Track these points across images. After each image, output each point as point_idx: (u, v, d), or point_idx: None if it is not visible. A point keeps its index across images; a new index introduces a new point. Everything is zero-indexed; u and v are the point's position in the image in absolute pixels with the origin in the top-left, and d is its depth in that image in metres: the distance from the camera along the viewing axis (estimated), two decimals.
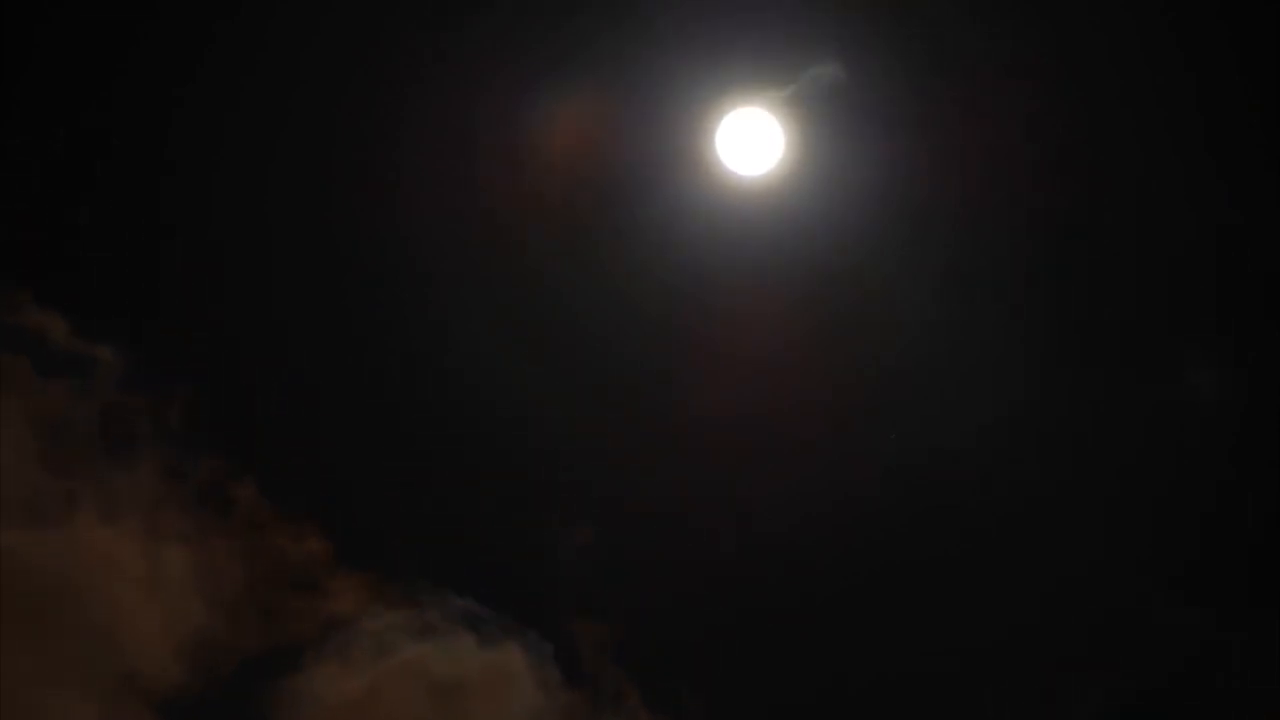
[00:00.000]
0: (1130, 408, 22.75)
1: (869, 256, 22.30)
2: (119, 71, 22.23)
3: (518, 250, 22.42)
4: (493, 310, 22.53)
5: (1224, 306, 22.61)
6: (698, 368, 22.41)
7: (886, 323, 22.42)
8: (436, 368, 22.55)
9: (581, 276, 22.45)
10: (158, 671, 20.95)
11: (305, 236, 22.42)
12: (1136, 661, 22.13)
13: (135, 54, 22.26)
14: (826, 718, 22.25)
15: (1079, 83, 22.21)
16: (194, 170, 22.36)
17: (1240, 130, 22.30)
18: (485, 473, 22.46)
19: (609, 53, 22.01)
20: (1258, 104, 22.19)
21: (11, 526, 20.65)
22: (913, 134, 21.99)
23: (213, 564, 21.44)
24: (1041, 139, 22.11)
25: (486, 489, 22.43)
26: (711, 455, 22.48)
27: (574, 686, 21.91)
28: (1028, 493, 22.54)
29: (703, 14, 21.81)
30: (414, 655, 21.66)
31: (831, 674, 22.23)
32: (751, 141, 22.15)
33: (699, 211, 22.32)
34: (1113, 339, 22.71)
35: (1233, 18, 22.01)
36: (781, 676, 22.34)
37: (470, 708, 21.59)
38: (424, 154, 22.23)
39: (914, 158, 22.03)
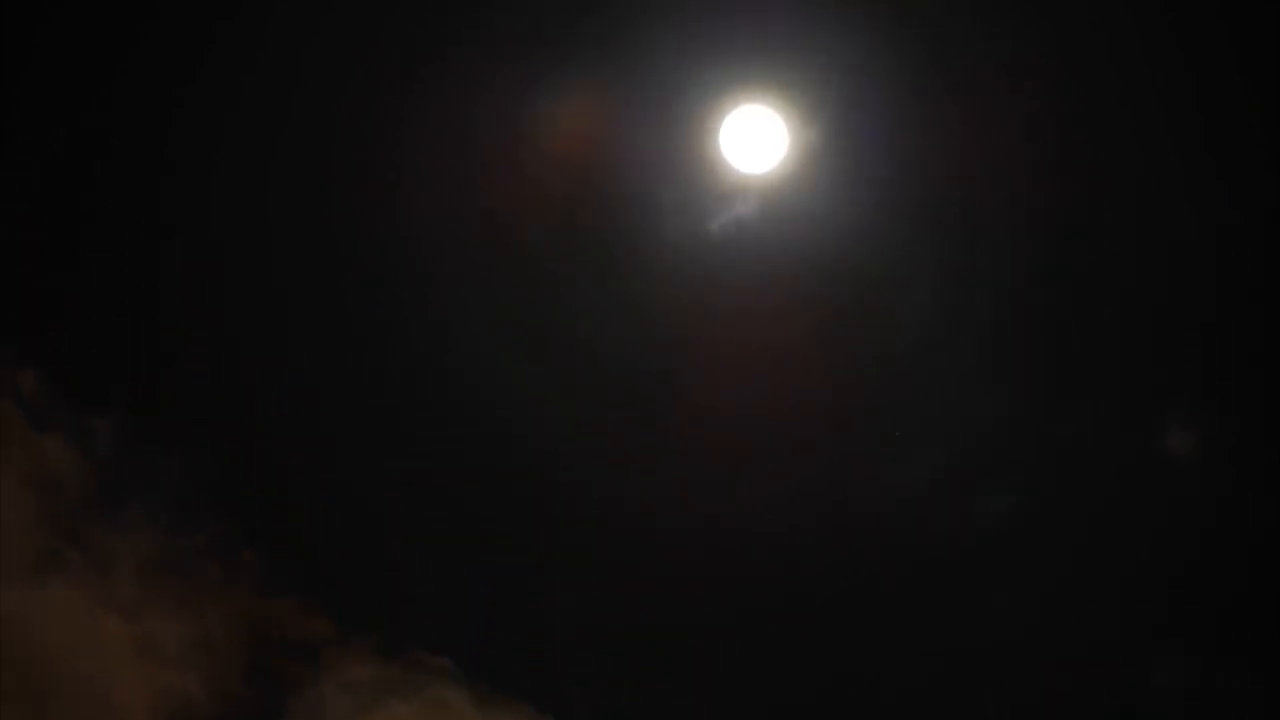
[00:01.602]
0: (1129, 413, 22.77)
1: (872, 255, 22.33)
2: (119, 71, 22.23)
3: (519, 250, 22.42)
4: (493, 311, 22.51)
5: (1224, 308, 22.64)
6: (700, 367, 22.42)
7: (889, 322, 22.44)
8: (438, 372, 22.55)
9: (584, 276, 22.49)
10: None
11: (307, 252, 22.38)
12: (1119, 689, 22.14)
13: (135, 54, 22.26)
14: None
15: (1081, 82, 22.27)
16: (193, 179, 22.36)
17: (1240, 130, 22.37)
18: (488, 517, 22.40)
19: (611, 51, 22.05)
20: (1258, 104, 22.27)
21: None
22: (916, 132, 22.04)
23: (205, 631, 21.32)
24: (1044, 138, 22.16)
25: (488, 539, 22.36)
26: (713, 456, 22.47)
27: None
28: (1026, 498, 22.58)
29: (705, 12, 21.86)
30: (407, 716, 21.60)
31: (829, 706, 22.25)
32: (755, 139, 22.21)
33: (703, 209, 22.39)
34: (1111, 342, 22.73)
35: (1233, 18, 22.09)
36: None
37: None
38: (425, 154, 22.23)
39: (917, 156, 22.08)
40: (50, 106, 22.15)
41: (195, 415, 22.03)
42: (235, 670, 21.26)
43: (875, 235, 22.26)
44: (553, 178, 22.20)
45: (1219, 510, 22.40)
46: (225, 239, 22.35)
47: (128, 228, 22.27)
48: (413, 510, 22.32)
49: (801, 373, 22.40)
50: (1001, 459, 22.52)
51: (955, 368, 22.51)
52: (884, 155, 22.06)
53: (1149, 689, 21.95)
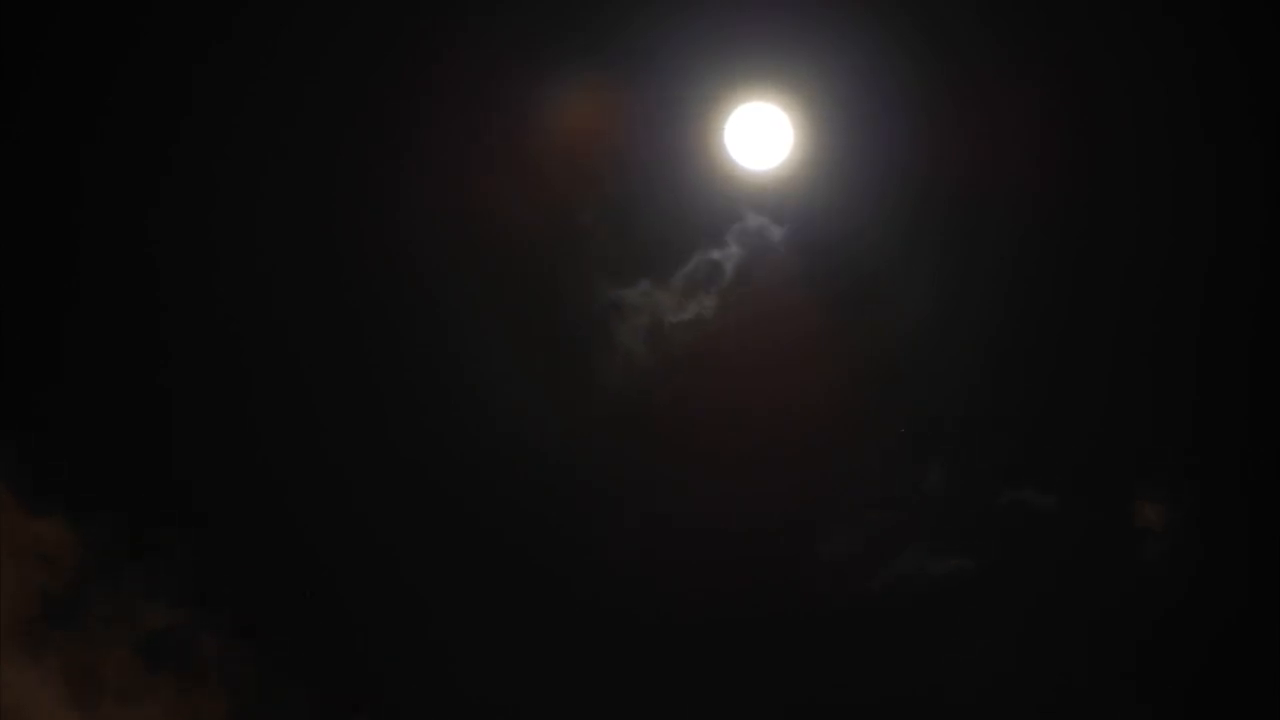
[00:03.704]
0: (1130, 418, 22.81)
1: (875, 251, 22.39)
2: (121, 74, 22.23)
3: (521, 249, 22.42)
4: (495, 318, 22.48)
5: (1222, 309, 22.73)
6: (701, 365, 22.42)
7: (890, 319, 22.47)
8: (451, 459, 22.46)
9: (586, 275, 22.50)
10: None
11: (313, 315, 22.27)
12: None
13: (136, 55, 22.26)
14: None
15: (1083, 79, 22.39)
16: (190, 213, 22.31)
17: (1240, 130, 22.52)
18: (481, 606, 22.28)
19: (618, 50, 22.12)
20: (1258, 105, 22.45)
21: None
22: (919, 130, 22.15)
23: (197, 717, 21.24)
24: (1047, 134, 22.24)
25: (479, 628, 22.25)
26: (716, 458, 22.42)
27: None
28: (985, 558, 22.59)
29: (711, 11, 21.97)
30: None
31: None
32: (760, 137, 22.30)
33: (708, 206, 22.45)
34: (1106, 342, 22.79)
35: (1233, 19, 22.28)
36: None
37: None
38: (430, 153, 22.23)
39: (920, 153, 22.18)
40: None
41: (198, 502, 22.00)
42: None
43: (880, 231, 22.34)
44: (557, 175, 22.24)
45: (1184, 576, 22.40)
46: (230, 312, 22.30)
47: (129, 301, 22.24)
48: (407, 596, 22.25)
49: (800, 376, 22.39)
50: (1001, 455, 22.58)
51: (956, 365, 22.58)
52: (889, 151, 22.19)
53: None
